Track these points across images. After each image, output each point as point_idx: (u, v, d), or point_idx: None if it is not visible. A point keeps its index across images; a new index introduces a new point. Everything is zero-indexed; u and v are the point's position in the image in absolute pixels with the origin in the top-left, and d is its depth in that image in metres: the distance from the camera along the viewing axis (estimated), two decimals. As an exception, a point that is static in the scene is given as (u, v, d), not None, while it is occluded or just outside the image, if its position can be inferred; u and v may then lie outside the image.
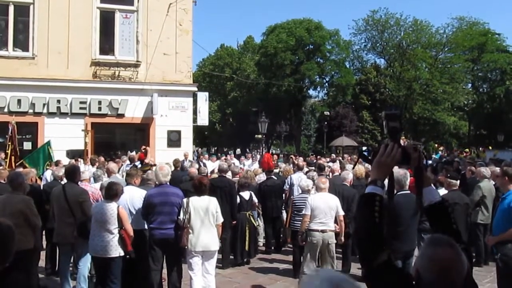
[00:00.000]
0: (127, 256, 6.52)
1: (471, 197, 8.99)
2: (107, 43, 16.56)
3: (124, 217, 6.45)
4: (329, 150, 34.29)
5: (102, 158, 13.52)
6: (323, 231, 7.35)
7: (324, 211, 7.39)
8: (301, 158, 17.86)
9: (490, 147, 35.45)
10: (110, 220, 6.34)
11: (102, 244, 6.33)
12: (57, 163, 11.95)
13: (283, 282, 8.18)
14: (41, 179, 11.24)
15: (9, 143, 12.78)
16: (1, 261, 2.91)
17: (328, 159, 18.82)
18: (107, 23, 16.36)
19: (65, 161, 13.01)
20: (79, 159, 13.44)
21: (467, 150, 35.82)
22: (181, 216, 6.65)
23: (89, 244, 6.53)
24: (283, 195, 10.68)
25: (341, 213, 7.57)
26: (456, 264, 2.04)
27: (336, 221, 7.57)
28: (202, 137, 57.42)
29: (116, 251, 6.36)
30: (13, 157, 12.61)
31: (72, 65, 15.72)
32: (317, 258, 7.48)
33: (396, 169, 7.54)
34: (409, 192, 7.28)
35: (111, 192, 6.46)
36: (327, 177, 10.48)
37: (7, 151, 12.84)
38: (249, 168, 14.92)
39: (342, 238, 7.66)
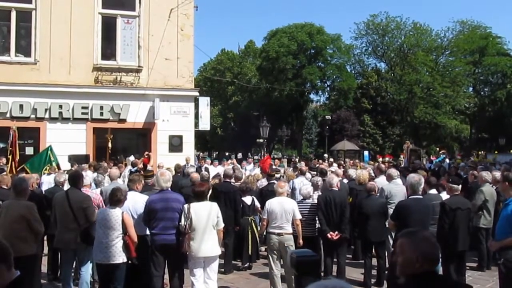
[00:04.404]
0: (129, 262, 6.52)
1: (474, 202, 9.00)
2: (108, 48, 16.57)
3: (129, 223, 6.45)
4: (330, 154, 34.37)
5: (105, 164, 13.52)
6: (279, 234, 7.54)
7: (279, 214, 7.54)
8: (303, 163, 17.85)
9: (496, 152, 35.42)
10: (115, 226, 6.34)
11: (107, 250, 6.33)
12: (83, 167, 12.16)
13: (285, 288, 8.17)
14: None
15: (11, 148, 12.79)
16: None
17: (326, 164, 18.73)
18: (108, 28, 16.38)
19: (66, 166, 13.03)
20: (84, 165, 13.40)
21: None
22: (183, 221, 6.65)
23: (93, 250, 6.53)
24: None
25: (298, 216, 7.67)
26: (406, 246, 2.82)
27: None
28: (203, 141, 57.51)
29: (120, 257, 6.36)
30: (13, 163, 12.62)
31: (74, 71, 15.74)
32: (279, 259, 7.63)
33: (410, 175, 7.62)
34: (421, 197, 7.30)
35: (115, 198, 6.47)
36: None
37: (8, 157, 12.85)
38: (251, 173, 14.92)
39: (301, 241, 7.71)
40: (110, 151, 15.10)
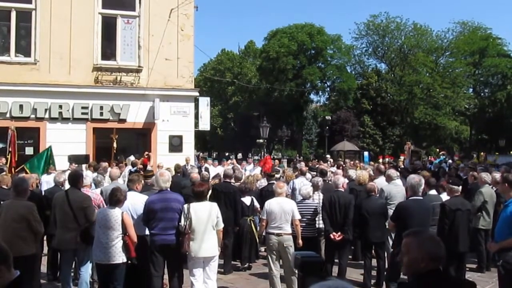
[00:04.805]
0: (129, 262, 6.52)
1: (473, 203, 8.99)
2: (108, 49, 16.56)
3: (128, 223, 6.45)
4: (330, 155, 34.37)
5: (103, 164, 13.53)
6: (278, 235, 7.52)
7: (279, 215, 7.53)
8: (303, 163, 17.85)
9: (497, 153, 35.41)
10: (114, 226, 6.34)
11: (106, 251, 6.33)
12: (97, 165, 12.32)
13: (284, 288, 8.17)
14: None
15: (10, 148, 12.81)
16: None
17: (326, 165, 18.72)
18: (109, 28, 16.37)
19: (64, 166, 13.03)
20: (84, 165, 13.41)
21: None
22: (182, 222, 6.65)
23: (93, 250, 6.53)
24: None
25: (297, 217, 7.66)
26: (411, 246, 2.88)
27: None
28: (203, 141, 57.48)
29: (120, 257, 6.36)
30: (12, 163, 12.64)
31: (74, 71, 15.74)
32: (279, 259, 7.63)
33: (411, 176, 7.61)
34: (421, 198, 7.30)
35: (115, 198, 6.47)
36: (329, 182, 10.53)
37: (7, 157, 12.87)
38: (251, 173, 14.91)
39: (300, 242, 7.70)
40: (115, 151, 15.09)
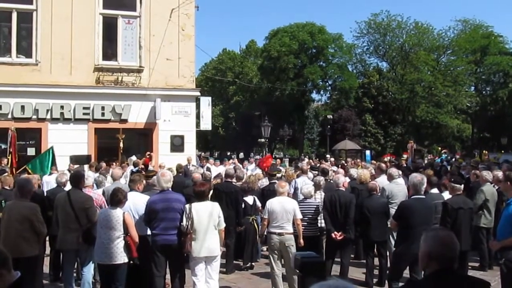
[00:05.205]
0: (131, 262, 6.53)
1: (474, 201, 8.98)
2: (110, 49, 16.58)
3: (130, 223, 6.45)
4: (332, 154, 34.29)
5: (103, 164, 13.54)
6: (280, 234, 7.52)
7: (280, 214, 7.53)
8: (305, 162, 17.83)
9: (502, 151, 35.35)
10: (116, 227, 6.35)
11: (108, 251, 6.33)
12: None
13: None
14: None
15: (10, 149, 12.83)
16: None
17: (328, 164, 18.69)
18: (110, 28, 16.39)
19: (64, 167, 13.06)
20: (86, 165, 13.41)
21: None
22: (184, 222, 6.64)
23: (95, 251, 6.54)
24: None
25: (299, 216, 7.66)
26: (454, 239, 2.86)
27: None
28: (204, 141, 57.47)
29: (122, 257, 6.36)
30: (13, 164, 12.65)
31: (75, 71, 15.75)
32: (280, 258, 7.62)
33: (413, 175, 7.58)
34: (424, 197, 7.28)
35: (116, 199, 6.47)
36: (331, 181, 10.52)
37: (8, 157, 12.88)
38: (252, 173, 14.91)
39: (301, 241, 7.69)
40: (122, 151, 15.08)
